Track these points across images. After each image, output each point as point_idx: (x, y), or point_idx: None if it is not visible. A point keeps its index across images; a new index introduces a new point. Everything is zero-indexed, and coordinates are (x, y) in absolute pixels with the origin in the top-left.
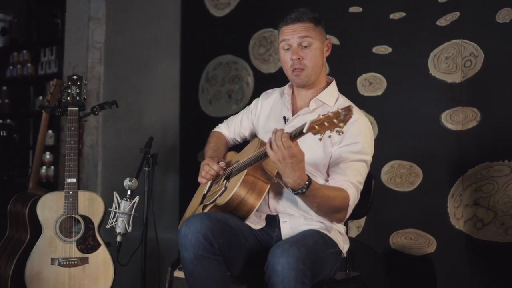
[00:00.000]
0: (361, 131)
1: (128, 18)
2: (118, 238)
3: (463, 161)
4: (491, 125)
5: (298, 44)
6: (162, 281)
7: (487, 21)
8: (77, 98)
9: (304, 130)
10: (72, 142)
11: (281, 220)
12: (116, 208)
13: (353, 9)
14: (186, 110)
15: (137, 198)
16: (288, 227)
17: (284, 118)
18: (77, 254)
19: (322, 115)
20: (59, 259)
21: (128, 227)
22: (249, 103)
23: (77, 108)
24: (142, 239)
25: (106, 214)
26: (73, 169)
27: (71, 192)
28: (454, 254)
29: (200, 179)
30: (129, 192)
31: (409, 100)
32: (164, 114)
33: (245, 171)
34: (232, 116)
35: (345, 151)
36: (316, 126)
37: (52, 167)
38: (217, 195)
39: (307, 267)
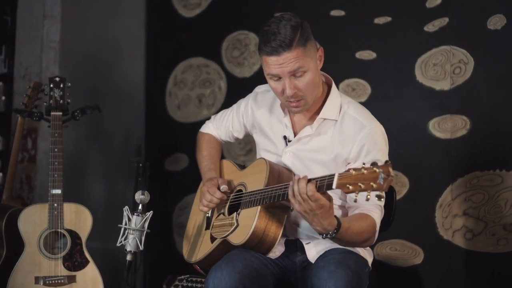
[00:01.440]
0: (376, 143)
1: (86, 16)
2: (128, 257)
3: (451, 170)
4: (482, 134)
5: (290, 75)
6: None
7: (478, 27)
8: (61, 101)
9: (334, 187)
10: (56, 150)
11: (304, 243)
12: (126, 224)
13: (335, 13)
14: (152, 115)
15: (150, 213)
16: (313, 249)
17: (285, 137)
18: (64, 272)
19: (354, 170)
20: (44, 278)
21: (141, 245)
22: (222, 108)
23: (61, 113)
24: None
25: (94, 228)
26: (57, 179)
27: (55, 204)
28: (442, 266)
29: (202, 208)
30: (140, 207)
31: (394, 107)
32: (127, 119)
33: (259, 207)
34: (221, 113)
35: None
36: (350, 186)
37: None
38: (227, 231)
39: None
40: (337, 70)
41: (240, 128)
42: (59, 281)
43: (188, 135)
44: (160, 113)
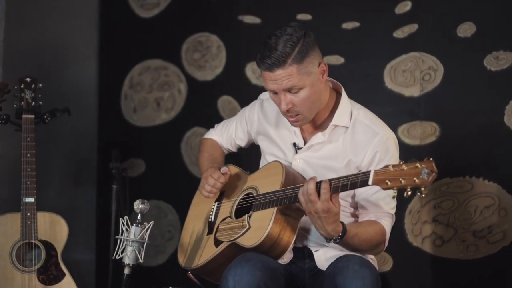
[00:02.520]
0: (389, 151)
1: (33, 15)
2: (126, 271)
3: None
4: (451, 140)
5: (286, 91)
6: None
7: (448, 34)
8: (33, 103)
9: (370, 183)
10: (28, 155)
11: (313, 250)
12: (123, 235)
13: (301, 16)
14: (105, 118)
15: (151, 223)
16: (322, 257)
17: (295, 145)
18: (38, 286)
19: (392, 167)
20: None
21: (141, 257)
22: (182, 112)
23: (33, 116)
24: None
25: (69, 238)
26: (30, 187)
27: (28, 214)
28: (412, 273)
29: (204, 193)
30: (139, 216)
31: None
32: (78, 123)
33: (275, 209)
34: (223, 122)
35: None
36: (388, 182)
37: None
38: (237, 233)
39: None
40: None
41: (244, 136)
42: None
43: (145, 139)
44: (114, 117)
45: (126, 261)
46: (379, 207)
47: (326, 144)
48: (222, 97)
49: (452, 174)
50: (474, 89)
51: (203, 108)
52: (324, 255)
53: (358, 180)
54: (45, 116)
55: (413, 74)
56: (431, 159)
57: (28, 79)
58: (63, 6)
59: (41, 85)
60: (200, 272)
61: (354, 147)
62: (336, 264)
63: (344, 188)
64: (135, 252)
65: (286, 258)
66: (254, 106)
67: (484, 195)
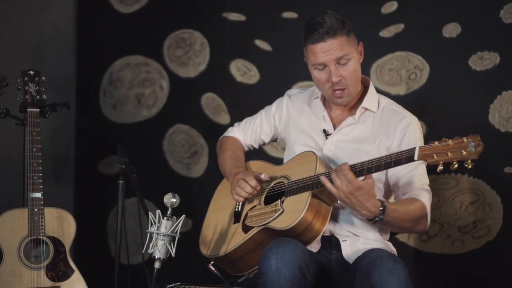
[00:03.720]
0: (416, 134)
1: (8, 9)
2: (157, 265)
3: None
4: (437, 138)
5: (336, 63)
6: None
7: (433, 34)
8: (37, 97)
9: (416, 158)
10: (34, 150)
11: (340, 240)
12: (153, 229)
13: (287, 14)
14: (84, 114)
15: (182, 217)
16: (349, 247)
17: (324, 131)
18: (47, 283)
19: (438, 142)
20: None
21: (172, 251)
22: (164, 108)
23: (38, 109)
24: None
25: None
26: (37, 182)
27: (36, 209)
28: None
29: (234, 196)
30: (169, 210)
31: None
32: (55, 119)
33: (310, 192)
34: (246, 119)
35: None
36: (435, 156)
37: None
38: (271, 217)
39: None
40: (290, 72)
41: (269, 131)
42: None
43: (125, 136)
44: (93, 113)
45: (157, 255)
46: (413, 184)
47: (356, 126)
48: (206, 94)
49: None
50: (459, 88)
51: (186, 105)
52: (351, 247)
53: (403, 157)
54: (45, 110)
55: (399, 73)
56: (476, 134)
57: (31, 72)
58: (39, 1)
59: (44, 78)
60: (224, 261)
61: (383, 128)
62: (367, 259)
63: (388, 165)
64: (166, 245)
65: (314, 247)
66: (282, 101)
67: (469, 191)
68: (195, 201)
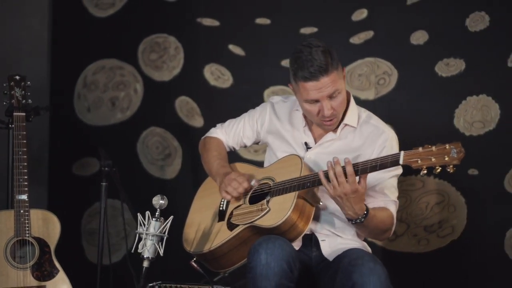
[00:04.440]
0: (393, 147)
1: None
2: (145, 264)
3: None
4: (404, 141)
5: (327, 98)
6: None
7: (401, 41)
8: (23, 101)
9: (401, 162)
10: (20, 153)
11: (319, 239)
12: (142, 230)
13: (260, 21)
14: (58, 117)
15: (171, 218)
16: (328, 246)
17: (306, 144)
18: (33, 282)
19: (421, 148)
20: None
21: (161, 251)
22: (139, 111)
23: (24, 114)
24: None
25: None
26: (23, 184)
27: (22, 211)
28: None
29: (224, 195)
30: (158, 211)
31: None
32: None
33: (296, 193)
34: (229, 121)
35: (382, 172)
36: (419, 161)
37: None
38: (257, 216)
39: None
40: (262, 76)
41: (252, 135)
42: None
43: (100, 138)
44: (67, 116)
45: (146, 254)
46: (385, 195)
47: (336, 141)
48: (180, 97)
49: (405, 173)
50: (426, 93)
51: (160, 108)
52: (330, 246)
53: (388, 161)
54: (30, 114)
55: (368, 78)
56: (458, 141)
57: (17, 77)
58: (13, 4)
59: (29, 82)
60: (207, 258)
61: (363, 142)
62: (348, 258)
63: (374, 169)
64: (155, 245)
65: (296, 245)
66: (265, 107)
67: (434, 192)
68: (169, 202)
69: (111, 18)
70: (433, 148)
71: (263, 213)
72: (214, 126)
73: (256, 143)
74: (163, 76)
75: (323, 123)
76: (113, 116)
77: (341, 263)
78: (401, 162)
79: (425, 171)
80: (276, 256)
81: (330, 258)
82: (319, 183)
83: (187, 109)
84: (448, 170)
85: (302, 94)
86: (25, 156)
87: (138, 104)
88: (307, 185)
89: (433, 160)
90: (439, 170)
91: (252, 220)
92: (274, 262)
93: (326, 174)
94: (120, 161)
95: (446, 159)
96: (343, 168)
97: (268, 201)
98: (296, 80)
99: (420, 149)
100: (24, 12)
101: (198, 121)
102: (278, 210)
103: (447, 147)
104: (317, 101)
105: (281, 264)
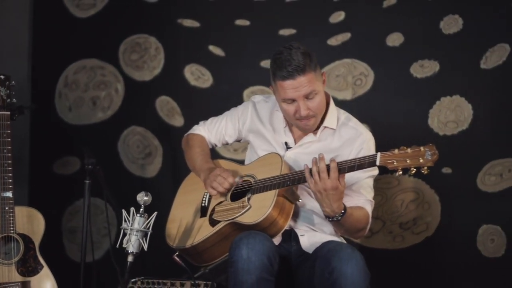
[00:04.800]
0: (370, 148)
1: None
2: (130, 258)
3: None
4: (380, 140)
5: (304, 98)
6: None
7: (378, 43)
8: (8, 100)
9: (378, 163)
10: (5, 151)
11: (298, 234)
12: (127, 226)
13: (240, 22)
14: (38, 116)
15: (155, 214)
16: (307, 241)
17: (286, 144)
18: (18, 278)
19: (397, 150)
20: None
21: (145, 246)
22: (119, 111)
23: (9, 113)
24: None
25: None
26: (8, 182)
27: (7, 208)
28: None
29: (210, 190)
30: (142, 208)
31: None
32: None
33: (277, 191)
34: (211, 119)
35: (359, 172)
36: (395, 162)
37: None
38: (238, 212)
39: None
40: (242, 77)
41: (233, 133)
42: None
43: (81, 137)
44: (48, 115)
45: (130, 249)
46: (361, 195)
47: (315, 143)
48: (161, 97)
49: (381, 172)
50: (401, 94)
51: (141, 108)
52: (309, 240)
53: (366, 162)
54: (14, 113)
55: (345, 79)
56: (432, 144)
57: (2, 76)
58: None
59: (14, 82)
60: (190, 252)
61: (341, 144)
62: (327, 247)
63: (351, 169)
64: (139, 240)
65: (276, 241)
66: (247, 106)
67: (409, 190)
68: None
69: (92, 18)
70: (409, 150)
71: (244, 210)
72: (195, 125)
73: (238, 140)
74: (144, 76)
75: (300, 123)
76: (94, 116)
77: (319, 252)
78: (377, 163)
79: (401, 172)
80: (257, 251)
81: (309, 251)
82: (299, 181)
83: (167, 108)
84: (423, 171)
85: (280, 93)
86: (9, 154)
87: (119, 103)
88: (287, 184)
89: (408, 162)
90: (414, 171)
91: (234, 216)
92: (255, 257)
93: (310, 170)
94: (101, 160)
95: (421, 161)
96: (328, 166)
97: (249, 198)
98: (275, 80)
99: (396, 150)
100: (5, 11)
101: (178, 121)
102: (259, 208)
103: (421, 150)
104: (294, 100)
105: (261, 259)
